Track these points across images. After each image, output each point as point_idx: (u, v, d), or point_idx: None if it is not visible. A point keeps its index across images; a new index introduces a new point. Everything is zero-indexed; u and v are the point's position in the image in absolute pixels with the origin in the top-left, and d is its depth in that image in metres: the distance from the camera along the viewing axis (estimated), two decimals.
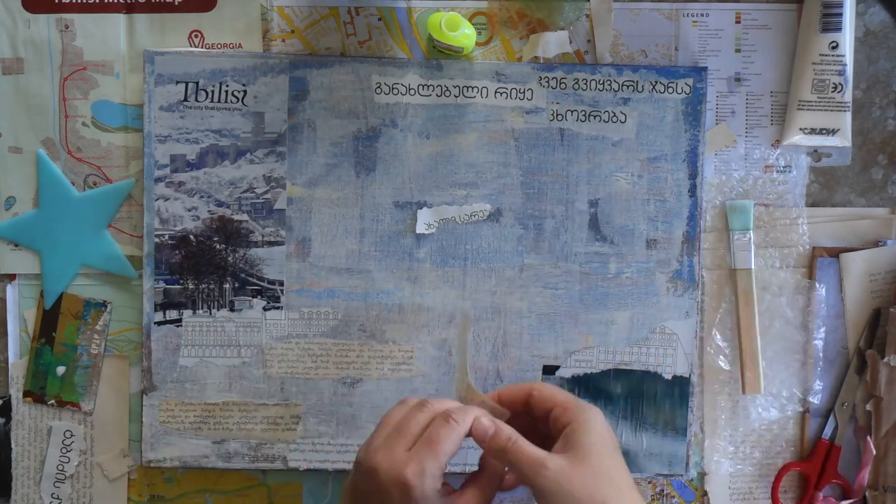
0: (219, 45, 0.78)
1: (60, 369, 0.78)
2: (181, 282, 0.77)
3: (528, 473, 0.60)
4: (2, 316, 0.79)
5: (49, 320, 0.78)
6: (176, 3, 0.78)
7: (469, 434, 0.62)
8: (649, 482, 0.80)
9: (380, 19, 0.79)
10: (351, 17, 0.79)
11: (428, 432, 0.61)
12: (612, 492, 0.59)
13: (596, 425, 0.62)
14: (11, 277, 0.79)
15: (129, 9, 0.78)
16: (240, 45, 0.78)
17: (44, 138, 0.78)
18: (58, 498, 0.79)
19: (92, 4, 0.77)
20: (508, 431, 0.62)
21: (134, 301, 0.78)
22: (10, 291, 0.78)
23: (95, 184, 0.78)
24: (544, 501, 0.59)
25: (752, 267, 0.78)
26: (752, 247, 0.78)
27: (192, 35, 0.78)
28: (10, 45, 0.78)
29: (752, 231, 0.78)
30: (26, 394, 0.79)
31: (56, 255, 0.78)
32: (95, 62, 0.78)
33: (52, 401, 0.79)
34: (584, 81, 0.77)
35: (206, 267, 0.77)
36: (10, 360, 0.79)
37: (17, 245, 0.78)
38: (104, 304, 0.78)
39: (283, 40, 0.78)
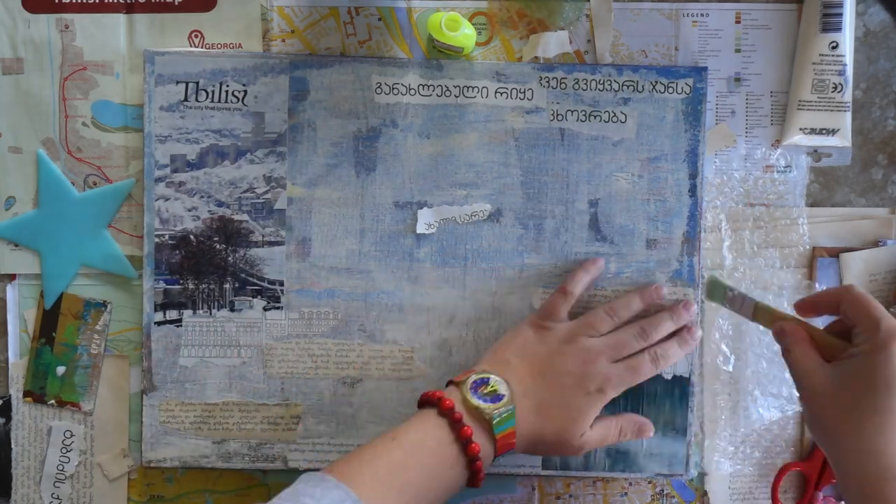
0: (219, 45, 0.78)
1: (60, 369, 0.78)
2: (181, 282, 0.77)
3: (801, 371, 0.66)
4: (2, 316, 0.79)
5: (49, 320, 0.78)
6: (176, 3, 0.78)
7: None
8: (649, 482, 0.80)
9: (380, 19, 0.79)
10: (351, 17, 0.79)
11: None
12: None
13: (892, 357, 0.61)
14: (11, 277, 0.79)
15: (129, 9, 0.78)
16: (240, 45, 0.78)
17: (44, 138, 0.78)
18: (58, 498, 0.79)
19: (92, 4, 0.77)
20: (802, 333, 0.68)
21: (134, 301, 0.78)
22: (10, 291, 0.78)
23: (95, 184, 0.78)
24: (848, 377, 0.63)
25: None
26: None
27: (192, 35, 0.78)
28: (10, 45, 0.78)
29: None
30: (26, 394, 0.79)
31: (56, 255, 0.78)
32: (95, 62, 0.78)
33: (52, 401, 0.79)
34: (585, 81, 0.77)
35: (207, 267, 0.77)
36: (10, 360, 0.79)
37: (17, 245, 0.78)
38: (104, 304, 0.78)
39: (283, 40, 0.78)
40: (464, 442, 0.65)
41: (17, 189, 0.78)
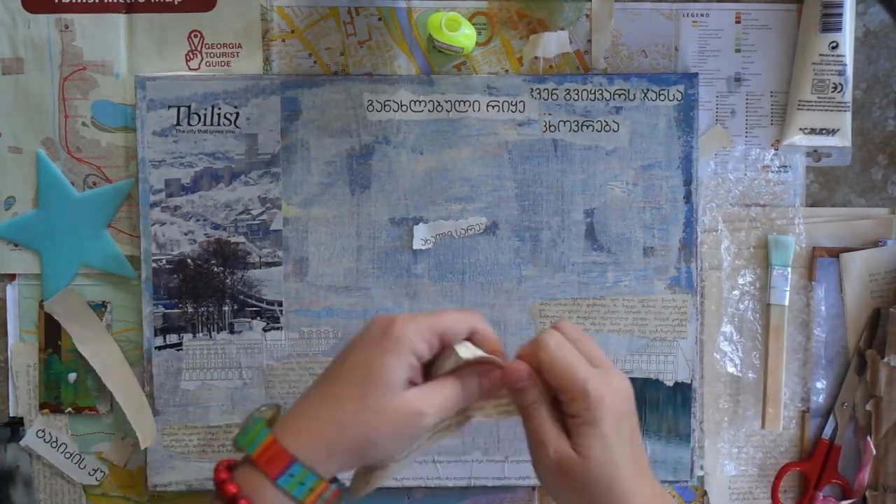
0: (219, 45, 0.78)
1: (72, 376, 0.78)
2: (180, 306, 0.77)
3: (533, 447, 0.57)
4: (2, 316, 0.79)
5: (52, 329, 0.78)
6: (176, 3, 0.78)
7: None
8: None
9: (380, 19, 0.78)
10: (351, 17, 0.78)
11: None
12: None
13: (605, 428, 0.56)
14: (11, 277, 0.79)
15: (129, 9, 0.78)
16: (239, 46, 0.78)
17: (44, 138, 0.78)
18: None
19: (92, 4, 0.77)
20: (535, 395, 0.57)
21: (133, 301, 0.78)
22: (10, 291, 0.79)
23: (95, 184, 0.78)
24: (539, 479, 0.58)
25: (787, 304, 0.78)
26: (790, 285, 0.78)
27: (192, 35, 0.78)
28: (10, 45, 0.78)
29: (790, 268, 0.78)
30: (42, 406, 0.79)
31: (56, 255, 0.78)
32: (95, 62, 0.78)
33: (69, 409, 0.79)
34: (576, 91, 0.77)
35: (205, 290, 0.77)
36: (11, 359, 0.79)
37: (17, 245, 0.78)
38: (104, 305, 0.78)
39: (283, 40, 0.78)
40: None
41: (16, 189, 0.78)
